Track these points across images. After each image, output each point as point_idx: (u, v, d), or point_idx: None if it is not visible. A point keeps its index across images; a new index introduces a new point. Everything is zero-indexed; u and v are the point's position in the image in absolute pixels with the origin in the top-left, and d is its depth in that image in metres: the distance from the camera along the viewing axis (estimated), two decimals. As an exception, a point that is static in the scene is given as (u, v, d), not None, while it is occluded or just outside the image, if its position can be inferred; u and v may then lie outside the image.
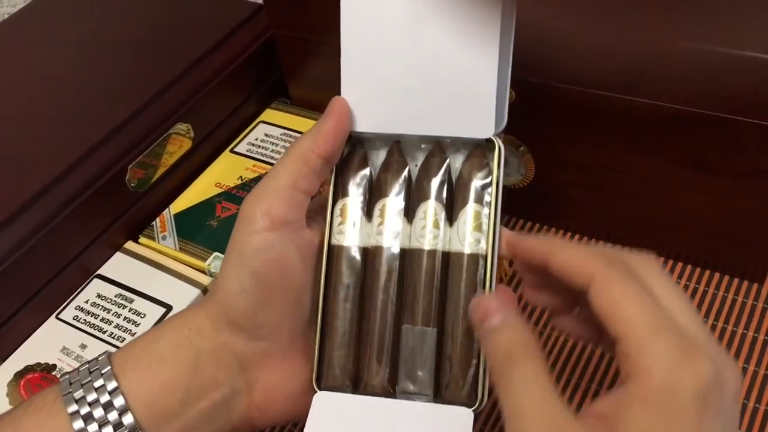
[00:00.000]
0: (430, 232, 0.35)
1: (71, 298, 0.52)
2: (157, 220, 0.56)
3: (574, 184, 0.51)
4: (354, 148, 0.37)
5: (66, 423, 0.32)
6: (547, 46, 0.45)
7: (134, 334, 0.49)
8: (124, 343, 0.49)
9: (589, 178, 0.50)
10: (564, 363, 0.48)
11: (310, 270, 0.35)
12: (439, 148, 0.36)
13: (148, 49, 0.61)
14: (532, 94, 0.47)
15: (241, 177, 0.59)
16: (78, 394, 0.33)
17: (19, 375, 0.48)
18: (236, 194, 0.57)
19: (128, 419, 0.33)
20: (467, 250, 0.34)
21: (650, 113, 0.44)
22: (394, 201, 0.35)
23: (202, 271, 0.53)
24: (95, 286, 0.53)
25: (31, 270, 0.50)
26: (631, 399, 0.26)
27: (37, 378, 0.48)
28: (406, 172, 0.36)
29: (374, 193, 0.36)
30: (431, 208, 0.35)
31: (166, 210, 0.57)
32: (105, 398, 0.33)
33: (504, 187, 0.48)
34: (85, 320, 0.51)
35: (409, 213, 0.36)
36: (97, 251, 0.54)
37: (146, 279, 0.53)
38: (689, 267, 0.52)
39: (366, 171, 0.36)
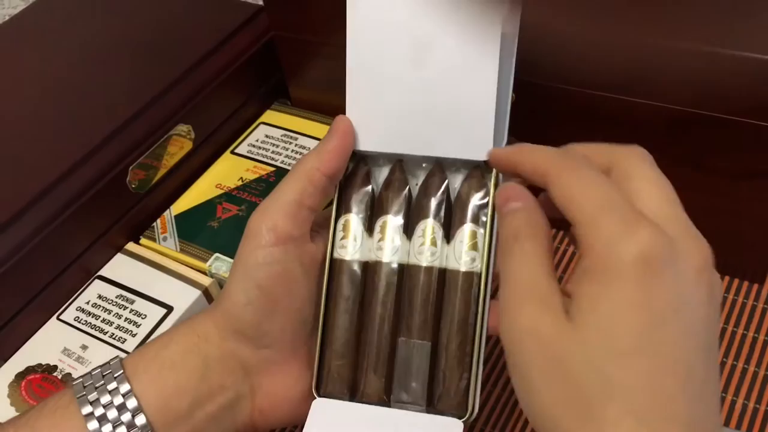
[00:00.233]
0: (428, 249, 0.36)
1: (72, 299, 0.52)
2: (158, 221, 0.57)
3: (575, 185, 0.51)
4: (358, 165, 0.38)
5: (81, 424, 0.34)
6: (547, 47, 0.46)
7: (135, 335, 0.49)
8: (124, 344, 0.49)
9: (589, 179, 0.50)
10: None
11: (313, 283, 0.37)
12: (439, 167, 0.37)
13: (149, 50, 0.61)
14: (532, 94, 0.47)
15: (241, 178, 0.59)
16: (92, 396, 0.34)
17: (20, 376, 0.48)
18: (237, 195, 0.57)
19: (141, 420, 0.34)
20: (463, 268, 0.36)
21: (650, 114, 0.45)
22: (394, 218, 0.37)
23: (203, 272, 0.53)
24: (96, 287, 0.53)
25: (32, 271, 0.50)
26: (582, 274, 0.28)
27: (38, 379, 0.48)
28: (406, 191, 0.37)
29: (376, 210, 0.37)
30: (429, 227, 0.36)
31: (167, 211, 0.57)
32: (119, 400, 0.34)
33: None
34: (86, 321, 0.51)
35: (409, 230, 0.37)
36: (98, 252, 0.54)
37: (147, 280, 0.53)
38: (689, 267, 0.52)
39: (368, 188, 0.37)
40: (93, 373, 0.36)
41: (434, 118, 0.36)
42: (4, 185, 0.51)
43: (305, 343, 0.37)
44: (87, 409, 0.34)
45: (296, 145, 0.61)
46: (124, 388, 0.34)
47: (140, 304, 0.51)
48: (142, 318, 0.50)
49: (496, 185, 0.35)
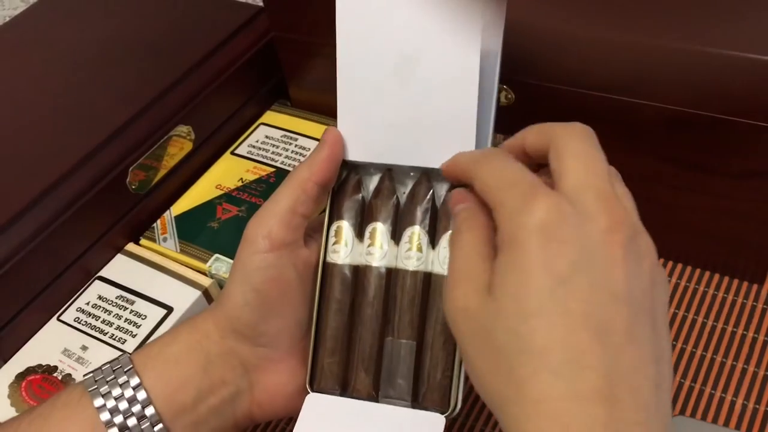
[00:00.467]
0: (414, 254, 0.38)
1: (72, 299, 0.53)
2: (158, 221, 0.57)
3: (574, 186, 0.51)
4: (349, 174, 0.40)
5: (94, 415, 0.36)
6: (546, 47, 0.46)
7: (135, 335, 0.50)
8: (124, 345, 0.49)
9: (589, 180, 0.51)
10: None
11: (307, 285, 0.39)
12: (426, 177, 0.39)
13: (149, 51, 0.61)
14: (531, 95, 0.47)
15: (241, 179, 0.59)
16: (104, 389, 0.36)
17: (21, 376, 0.48)
18: (237, 196, 0.57)
19: (150, 411, 0.36)
20: (446, 273, 0.36)
21: (649, 114, 0.45)
22: (383, 224, 0.39)
23: (203, 273, 0.53)
24: (96, 288, 0.53)
25: (32, 272, 0.50)
26: (497, 250, 0.31)
27: (39, 379, 0.48)
28: (395, 199, 0.39)
29: (366, 217, 0.39)
30: (416, 233, 0.38)
31: (167, 212, 0.57)
32: (129, 393, 0.36)
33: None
34: (86, 322, 0.51)
35: (396, 236, 0.39)
36: (98, 253, 0.54)
37: (147, 281, 0.53)
38: (689, 268, 0.52)
39: (359, 196, 0.39)
40: (103, 368, 0.38)
41: (420, 130, 0.38)
42: (5, 186, 0.51)
43: (300, 342, 0.39)
44: (99, 402, 0.36)
45: (296, 145, 0.61)
46: (134, 381, 0.36)
47: (140, 305, 0.51)
48: (142, 319, 0.50)
49: None
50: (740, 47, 0.41)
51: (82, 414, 0.36)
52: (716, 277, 0.51)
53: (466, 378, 0.35)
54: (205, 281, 0.52)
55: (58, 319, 0.51)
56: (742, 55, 0.41)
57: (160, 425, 0.36)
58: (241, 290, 0.37)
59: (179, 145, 0.57)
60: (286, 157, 0.60)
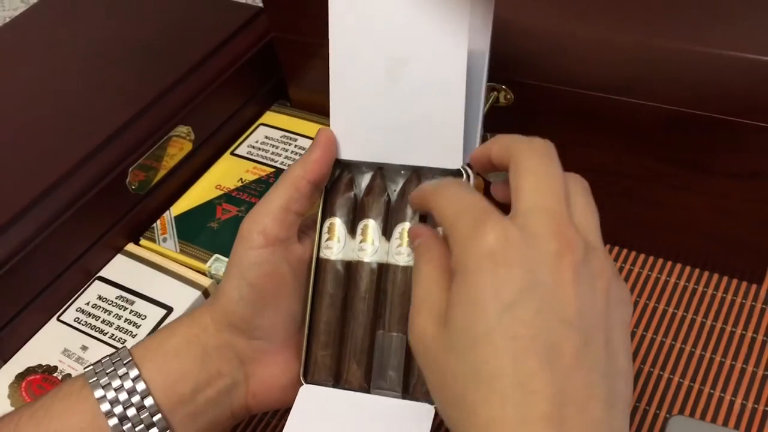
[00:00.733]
0: (405, 250, 0.39)
1: (72, 300, 0.53)
2: (158, 222, 0.57)
3: (573, 186, 0.51)
4: (342, 173, 0.41)
5: (94, 406, 0.37)
6: (545, 48, 0.46)
7: (135, 335, 0.50)
8: (124, 345, 0.49)
9: (588, 180, 0.50)
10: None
11: (301, 281, 0.40)
12: (416, 175, 0.40)
13: (149, 52, 0.61)
14: (530, 95, 0.48)
15: (241, 179, 0.59)
16: (104, 381, 0.37)
17: (21, 376, 0.48)
18: (236, 196, 0.57)
19: (149, 402, 0.37)
20: None
21: (648, 115, 0.45)
22: (374, 221, 0.40)
23: (203, 273, 0.53)
24: (96, 288, 0.53)
25: (32, 272, 0.50)
26: (452, 274, 0.31)
27: (39, 380, 0.48)
28: (386, 196, 0.40)
29: (358, 214, 0.41)
30: (406, 230, 0.39)
31: (167, 212, 0.57)
32: (128, 384, 0.37)
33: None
34: (86, 322, 0.51)
35: (387, 232, 0.40)
36: (98, 253, 0.54)
37: (147, 281, 0.53)
38: (688, 268, 0.52)
39: (351, 194, 0.41)
40: (103, 360, 0.38)
41: (410, 130, 0.39)
42: (5, 186, 0.51)
43: (294, 336, 0.40)
44: (99, 393, 0.37)
45: (296, 146, 0.61)
46: (134, 373, 0.37)
47: (140, 305, 0.51)
48: (142, 319, 0.50)
49: None
50: (739, 47, 0.41)
51: (83, 405, 0.37)
52: (715, 276, 0.51)
53: None
54: (205, 281, 0.52)
55: (58, 320, 0.52)
56: (741, 56, 0.41)
57: (159, 415, 0.37)
58: (237, 285, 0.38)
59: (179, 146, 0.57)
60: (286, 157, 0.60)
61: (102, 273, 0.54)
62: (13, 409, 0.47)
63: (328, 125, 0.40)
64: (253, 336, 0.39)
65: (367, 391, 0.39)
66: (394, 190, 0.40)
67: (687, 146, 0.45)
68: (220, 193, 0.58)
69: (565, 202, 0.31)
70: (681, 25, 0.43)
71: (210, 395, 0.38)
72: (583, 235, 0.30)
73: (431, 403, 0.37)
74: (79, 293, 0.53)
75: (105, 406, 0.36)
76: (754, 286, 0.50)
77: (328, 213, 0.40)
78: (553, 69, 0.46)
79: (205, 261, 0.53)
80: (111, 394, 0.37)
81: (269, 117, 0.64)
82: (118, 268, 0.54)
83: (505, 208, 0.33)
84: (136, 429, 0.37)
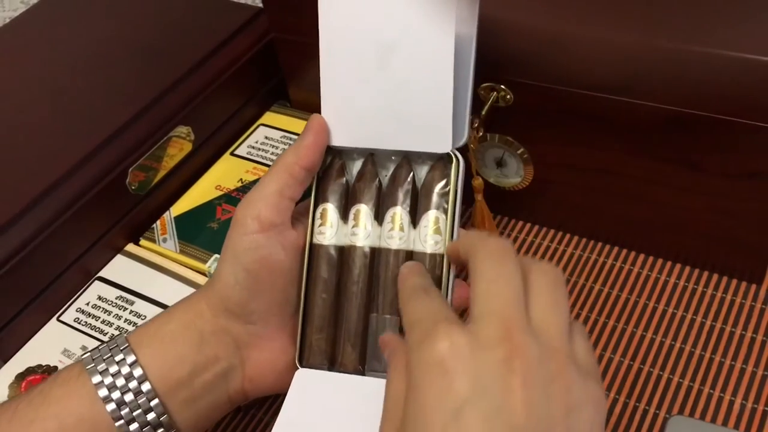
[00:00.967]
0: (397, 234, 0.40)
1: (72, 300, 0.53)
2: (158, 222, 0.57)
3: (573, 186, 0.51)
4: (333, 159, 0.42)
5: (92, 391, 0.37)
6: (545, 48, 0.46)
7: (135, 335, 0.50)
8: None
9: (588, 180, 0.51)
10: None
11: (295, 266, 0.40)
12: (406, 160, 0.41)
13: (149, 52, 0.61)
14: (530, 95, 0.48)
15: (241, 179, 0.59)
16: (101, 367, 0.38)
17: (21, 376, 0.48)
18: (236, 197, 0.58)
19: (146, 387, 0.38)
20: (428, 251, 0.39)
21: (648, 115, 0.45)
22: (366, 206, 0.41)
23: (203, 273, 0.53)
24: (96, 289, 0.53)
25: (32, 272, 0.50)
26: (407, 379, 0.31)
27: (39, 380, 0.48)
28: (377, 182, 0.41)
29: (350, 199, 0.41)
30: (398, 214, 0.40)
31: (167, 212, 0.57)
32: (126, 370, 0.38)
33: (499, 189, 0.50)
34: (86, 322, 0.51)
35: (379, 217, 0.41)
36: (98, 254, 0.54)
37: (147, 281, 0.53)
38: (687, 268, 0.52)
39: (343, 180, 0.41)
40: (100, 347, 0.39)
41: (399, 116, 0.40)
42: (5, 187, 0.51)
43: (289, 320, 0.41)
44: (97, 378, 0.37)
45: (295, 146, 0.61)
46: (131, 358, 0.38)
47: (140, 305, 0.52)
48: (142, 319, 0.50)
49: (456, 175, 0.39)
50: (739, 47, 0.41)
51: (81, 390, 0.37)
52: (714, 276, 0.51)
53: None
54: (205, 281, 0.52)
55: (58, 320, 0.52)
56: (741, 56, 0.41)
57: (156, 400, 0.38)
58: (232, 270, 0.39)
59: (179, 146, 0.57)
60: (286, 157, 0.60)
61: (102, 273, 0.54)
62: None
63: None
64: (248, 321, 0.40)
65: (362, 373, 0.40)
66: (385, 176, 0.41)
67: (686, 146, 0.45)
68: (220, 193, 0.58)
69: (518, 306, 0.31)
70: (680, 25, 0.43)
71: (206, 380, 0.39)
72: (542, 337, 0.30)
73: None
74: (79, 293, 0.53)
75: (103, 392, 0.37)
76: (753, 286, 0.50)
77: (320, 199, 0.41)
78: (553, 69, 0.46)
79: (204, 261, 0.53)
80: (108, 380, 0.37)
81: (269, 117, 0.64)
82: (118, 268, 0.54)
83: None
84: (134, 414, 0.37)
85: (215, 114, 0.61)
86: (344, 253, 0.41)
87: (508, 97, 0.48)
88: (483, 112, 0.48)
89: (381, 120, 0.40)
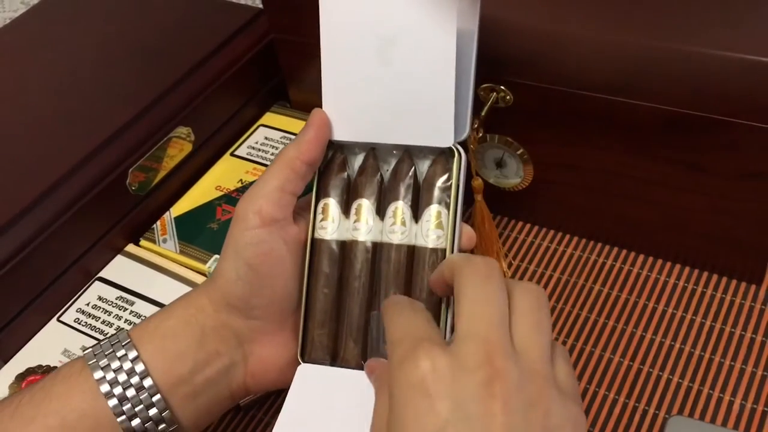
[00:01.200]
0: (399, 228, 0.40)
1: (72, 300, 0.53)
2: (158, 223, 0.57)
3: (573, 187, 0.52)
4: (335, 154, 0.42)
5: (94, 387, 0.37)
6: (544, 48, 0.46)
7: (135, 336, 0.50)
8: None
9: (588, 181, 0.51)
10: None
11: (297, 260, 0.40)
12: (408, 154, 0.41)
13: (149, 53, 0.61)
14: (529, 96, 0.48)
15: (241, 180, 0.59)
16: (103, 362, 0.38)
17: (21, 377, 0.48)
18: (236, 197, 0.58)
19: (148, 382, 0.38)
20: (430, 245, 0.39)
21: (647, 115, 0.45)
22: (368, 201, 0.40)
23: (203, 274, 0.53)
24: (96, 289, 0.53)
25: (32, 273, 0.50)
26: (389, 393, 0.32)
27: (39, 380, 0.48)
28: (378, 176, 0.41)
29: (351, 194, 0.41)
30: (400, 208, 0.40)
31: (167, 213, 0.57)
32: (127, 365, 0.38)
33: (499, 189, 0.50)
34: (86, 323, 0.51)
35: (381, 211, 0.41)
36: (98, 254, 0.54)
37: (147, 281, 0.53)
38: (687, 268, 0.52)
39: (344, 174, 0.41)
40: (102, 343, 0.39)
41: (401, 110, 0.40)
42: (5, 187, 0.51)
43: (291, 315, 0.41)
44: (99, 374, 0.37)
45: (296, 147, 0.61)
46: (132, 354, 0.38)
47: (140, 306, 0.52)
48: (142, 319, 0.50)
49: (458, 169, 0.39)
50: (738, 48, 0.41)
51: (83, 386, 0.37)
52: (714, 277, 0.51)
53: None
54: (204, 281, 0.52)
55: (58, 320, 0.52)
56: (740, 56, 0.41)
57: (158, 396, 0.38)
58: (234, 265, 0.39)
59: (179, 147, 0.58)
60: (286, 158, 0.60)
61: (102, 274, 0.54)
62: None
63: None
64: (250, 316, 0.40)
65: (364, 368, 0.39)
66: (387, 170, 0.41)
67: (686, 146, 0.45)
68: (220, 194, 0.58)
69: (501, 328, 0.31)
70: (680, 26, 0.43)
71: (208, 375, 0.39)
72: (524, 359, 0.30)
73: None
74: (79, 294, 0.53)
75: (104, 387, 0.37)
76: (753, 287, 0.50)
77: (321, 194, 0.41)
78: (553, 69, 0.46)
79: (205, 262, 0.53)
80: (110, 375, 0.37)
81: (269, 118, 0.64)
82: (118, 268, 0.54)
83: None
84: (136, 409, 0.37)
85: (215, 114, 0.61)
86: (346, 247, 0.41)
87: (508, 97, 0.48)
88: (483, 113, 0.48)
89: (382, 114, 0.40)
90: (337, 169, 0.41)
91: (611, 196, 0.51)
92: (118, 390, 0.37)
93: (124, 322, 0.51)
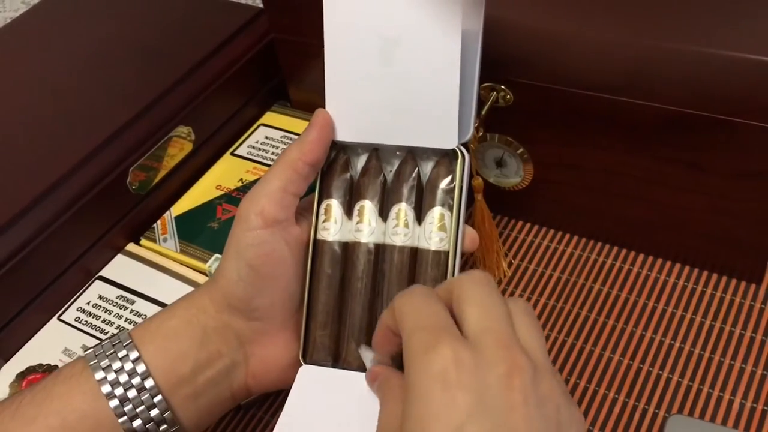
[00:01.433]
0: (402, 230, 0.40)
1: (73, 299, 0.53)
2: (158, 222, 0.57)
3: (573, 186, 0.52)
4: (338, 154, 0.41)
5: (95, 388, 0.37)
6: (544, 48, 0.46)
7: (135, 335, 0.50)
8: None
9: (588, 180, 0.51)
10: (562, 363, 0.48)
11: (299, 262, 0.40)
12: (411, 156, 0.40)
13: (150, 52, 0.61)
14: (530, 95, 0.48)
15: (241, 179, 0.59)
16: (104, 363, 0.38)
17: (21, 376, 0.48)
18: (237, 196, 0.58)
19: (149, 383, 0.37)
20: (432, 248, 0.39)
21: (648, 115, 0.45)
22: (371, 202, 0.40)
23: (203, 273, 0.53)
24: (97, 288, 0.53)
25: (33, 272, 0.50)
26: (405, 390, 0.31)
27: (39, 379, 0.48)
28: (381, 177, 0.41)
29: (354, 195, 0.41)
30: (403, 210, 0.40)
31: (167, 212, 0.57)
32: (129, 366, 0.38)
33: (499, 189, 0.50)
34: (86, 321, 0.51)
35: (384, 213, 0.40)
36: (99, 253, 0.54)
37: (147, 281, 0.53)
38: (687, 268, 0.52)
39: (347, 175, 0.41)
40: (103, 343, 0.39)
41: (404, 111, 0.39)
42: (6, 186, 0.51)
43: (293, 317, 0.41)
44: (100, 375, 0.37)
45: (296, 146, 0.61)
46: (134, 354, 0.38)
47: (141, 305, 0.52)
48: (143, 318, 0.50)
49: (462, 171, 0.39)
50: (739, 47, 0.41)
51: (84, 386, 0.37)
52: (714, 276, 0.51)
53: None
54: (205, 281, 0.52)
55: (59, 319, 0.52)
56: (741, 56, 0.41)
57: (160, 396, 0.38)
58: (236, 266, 0.39)
59: (179, 146, 0.58)
60: (286, 157, 0.60)
61: (102, 273, 0.54)
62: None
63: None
64: (252, 317, 0.40)
65: (365, 370, 0.39)
66: (390, 171, 0.41)
67: (686, 146, 0.45)
68: (220, 193, 0.58)
69: (510, 325, 0.31)
70: (681, 25, 0.43)
71: (210, 376, 0.39)
72: (531, 355, 0.31)
73: None
74: (79, 293, 0.53)
75: (106, 388, 0.37)
76: (753, 286, 0.50)
77: (324, 195, 0.41)
78: (553, 69, 0.46)
79: (205, 261, 0.53)
80: (111, 376, 0.37)
81: (269, 117, 0.64)
82: (119, 267, 0.54)
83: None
84: (137, 410, 0.37)
85: (216, 114, 0.61)
86: (348, 249, 0.40)
87: (508, 97, 0.48)
88: (483, 112, 0.48)
89: (386, 115, 0.40)
90: (340, 170, 0.41)
91: (611, 196, 0.51)
92: (119, 391, 0.37)
93: (125, 321, 0.51)
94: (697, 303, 0.50)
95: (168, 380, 0.38)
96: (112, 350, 0.38)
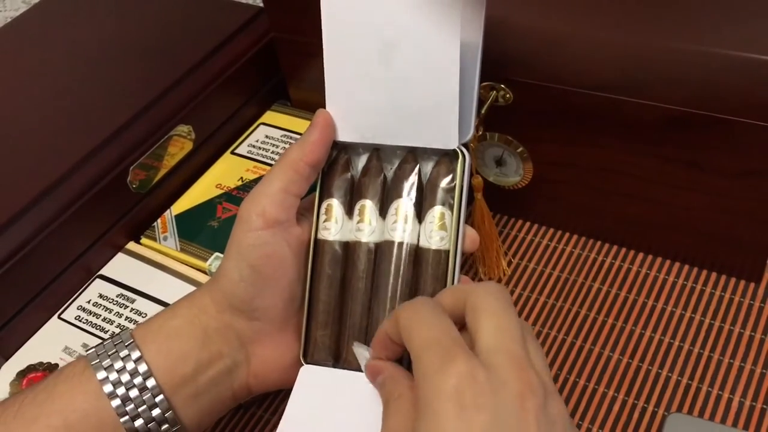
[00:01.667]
0: (400, 226, 0.40)
1: (73, 298, 0.53)
2: (159, 220, 0.57)
3: (572, 185, 0.52)
4: (339, 154, 0.41)
5: (97, 387, 0.37)
6: (545, 47, 0.46)
7: (136, 333, 0.50)
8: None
9: (587, 179, 0.51)
10: (562, 362, 0.48)
11: (300, 262, 0.40)
12: (412, 155, 0.41)
13: (150, 51, 0.61)
14: (530, 95, 0.48)
15: (241, 178, 0.59)
16: (106, 362, 0.38)
17: (22, 374, 0.48)
18: (237, 195, 0.58)
19: (151, 383, 0.38)
20: (433, 247, 0.39)
21: (647, 114, 0.45)
22: (371, 202, 0.40)
23: (203, 272, 0.53)
24: (97, 286, 0.53)
25: (33, 270, 0.50)
26: (417, 407, 0.31)
27: (40, 377, 0.48)
28: (382, 177, 0.41)
29: (355, 195, 0.41)
30: (402, 206, 0.40)
31: (168, 211, 0.57)
32: (131, 365, 0.38)
33: (499, 188, 0.50)
34: (87, 320, 0.51)
35: (384, 212, 0.40)
36: (99, 252, 0.54)
37: (147, 279, 0.53)
38: (686, 266, 0.52)
39: (348, 175, 0.41)
40: (105, 343, 0.39)
41: (405, 111, 0.39)
42: (6, 185, 0.51)
43: (294, 317, 0.41)
44: (102, 374, 0.37)
45: (296, 145, 0.61)
46: (135, 354, 0.38)
47: (141, 303, 0.52)
48: (143, 317, 0.51)
49: (462, 171, 0.39)
50: (739, 47, 0.41)
51: (86, 386, 0.37)
52: (714, 275, 0.51)
53: None
54: (205, 280, 0.52)
55: (59, 318, 0.52)
56: (741, 55, 0.41)
57: (161, 396, 0.38)
58: (237, 267, 0.39)
59: (180, 145, 0.58)
60: (286, 156, 0.60)
61: (103, 271, 0.54)
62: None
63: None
64: (253, 317, 0.40)
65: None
66: (391, 170, 0.41)
67: (686, 145, 0.45)
68: (220, 192, 0.58)
69: (524, 343, 0.31)
70: (681, 25, 0.43)
71: (211, 376, 0.39)
72: (541, 378, 0.31)
73: None
74: (80, 291, 0.53)
75: (107, 388, 0.37)
76: (752, 285, 0.51)
77: (325, 194, 0.41)
78: (553, 68, 0.46)
79: (205, 259, 0.53)
80: (113, 376, 0.37)
81: (269, 116, 0.64)
82: (119, 266, 0.54)
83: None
84: (139, 410, 0.37)
85: (216, 113, 0.61)
86: (349, 248, 0.41)
87: (508, 96, 0.48)
88: (482, 111, 0.48)
89: (386, 115, 0.40)
90: (340, 170, 0.41)
91: (611, 195, 0.51)
92: (121, 390, 0.37)
93: (125, 319, 0.51)
94: (697, 301, 0.50)
95: (170, 380, 0.38)
96: (114, 350, 0.38)
